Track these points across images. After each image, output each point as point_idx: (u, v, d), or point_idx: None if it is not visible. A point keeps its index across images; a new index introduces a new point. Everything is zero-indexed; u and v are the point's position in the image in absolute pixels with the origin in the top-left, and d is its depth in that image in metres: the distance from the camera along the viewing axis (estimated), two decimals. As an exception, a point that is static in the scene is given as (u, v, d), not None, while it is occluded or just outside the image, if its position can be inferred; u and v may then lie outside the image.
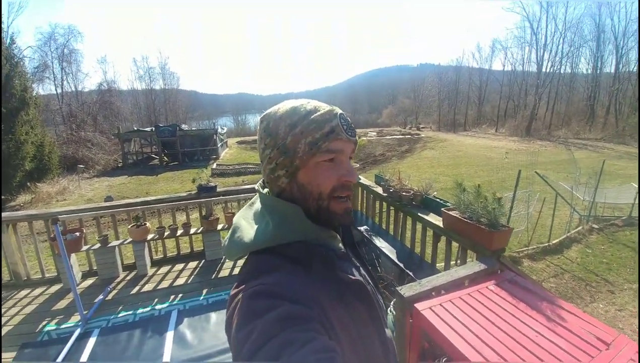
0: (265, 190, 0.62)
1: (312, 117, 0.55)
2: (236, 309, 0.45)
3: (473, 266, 1.89)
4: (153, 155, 18.43)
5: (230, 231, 0.62)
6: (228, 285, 3.05)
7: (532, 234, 5.94)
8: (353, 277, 0.55)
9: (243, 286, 0.49)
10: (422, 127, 36.13)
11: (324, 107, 0.57)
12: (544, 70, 30.73)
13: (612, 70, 28.53)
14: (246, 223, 0.60)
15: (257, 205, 0.63)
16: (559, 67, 30.97)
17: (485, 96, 39.36)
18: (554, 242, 5.75)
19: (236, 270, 3.33)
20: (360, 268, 0.66)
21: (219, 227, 3.54)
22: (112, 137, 18.07)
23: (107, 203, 3.24)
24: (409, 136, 25.88)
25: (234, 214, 3.59)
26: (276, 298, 0.44)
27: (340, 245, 0.64)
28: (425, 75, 49.92)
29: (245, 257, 0.58)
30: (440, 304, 1.63)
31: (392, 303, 1.97)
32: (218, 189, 3.63)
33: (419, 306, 1.61)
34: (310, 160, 0.54)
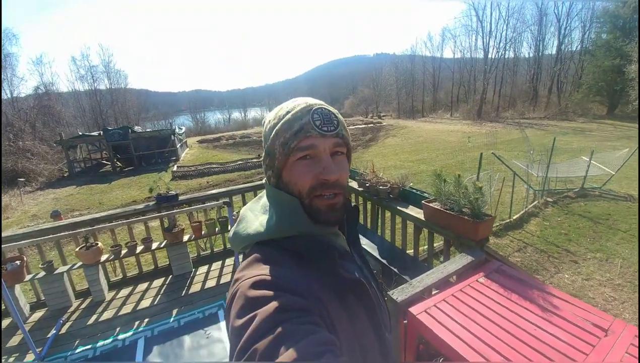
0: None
1: (286, 117, 0.55)
2: (235, 297, 0.45)
3: (461, 260, 1.84)
4: (104, 162, 16.93)
5: (236, 222, 0.64)
6: (201, 301, 2.79)
7: (494, 212, 6.25)
8: (355, 277, 0.55)
9: (244, 273, 0.49)
10: (383, 115, 36.97)
11: (302, 105, 0.56)
12: (490, 56, 32.70)
13: (554, 52, 30.95)
14: (252, 215, 0.62)
15: (265, 198, 0.64)
16: (503, 52, 33.09)
17: (439, 83, 41.12)
18: (514, 217, 6.10)
19: (209, 283, 3.06)
20: (363, 269, 0.65)
21: (185, 238, 3.22)
22: (55, 145, 16.23)
23: (49, 225, 2.77)
24: (372, 125, 26.32)
25: (200, 223, 3.31)
26: (277, 289, 0.44)
27: (344, 244, 0.63)
28: (382, 64, 50.97)
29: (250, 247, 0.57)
30: (435, 305, 1.55)
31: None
32: (181, 197, 3.30)
33: (414, 310, 1.52)
34: (288, 160, 0.55)
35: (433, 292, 1.78)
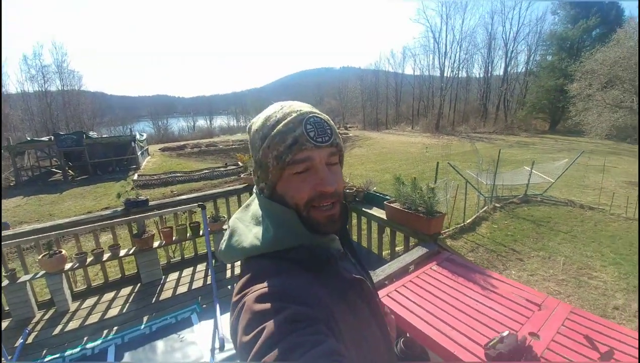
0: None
1: (277, 128, 0.54)
2: (242, 313, 0.45)
3: (417, 251, 2.11)
4: (54, 170, 15.59)
5: (226, 235, 0.61)
6: (173, 306, 2.80)
7: (450, 217, 6.81)
8: (355, 276, 0.56)
9: (247, 290, 0.48)
10: (350, 127, 38.09)
11: (292, 114, 0.55)
12: (445, 74, 35.47)
13: (501, 73, 34.28)
14: (243, 227, 0.60)
15: (254, 207, 0.63)
16: (457, 72, 36.07)
17: (401, 97, 43.45)
18: (467, 222, 6.70)
19: (181, 289, 3.07)
20: (357, 266, 0.67)
21: (155, 244, 3.20)
22: (1, 151, 14.66)
23: (9, 232, 2.64)
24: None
25: (171, 229, 3.31)
26: (282, 300, 0.44)
27: (339, 245, 0.64)
28: (349, 77, 52.84)
29: (243, 261, 0.58)
30: (396, 289, 1.78)
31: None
32: (151, 203, 3.29)
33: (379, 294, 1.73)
34: (283, 174, 0.54)
35: (394, 280, 2.01)
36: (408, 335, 1.76)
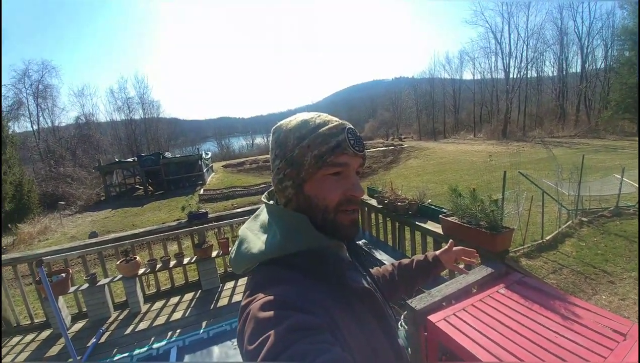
0: (271, 202, 0.64)
1: (320, 130, 0.56)
2: (247, 321, 0.45)
3: (480, 271, 1.87)
4: (137, 186, 18.02)
5: (236, 243, 0.62)
6: (228, 314, 2.92)
7: (525, 233, 6.03)
8: (362, 286, 0.56)
9: (253, 297, 0.49)
10: (404, 138, 37.00)
11: (333, 122, 0.58)
12: (511, 76, 32.30)
13: (578, 70, 30.31)
14: (252, 235, 0.61)
15: (263, 216, 0.64)
16: (525, 72, 32.66)
17: (460, 104, 40.88)
18: (547, 238, 5.85)
19: (236, 298, 3.19)
20: (367, 276, 0.67)
21: (213, 254, 3.41)
22: (93, 171, 17.62)
23: (93, 240, 3.07)
24: (392, 147, 26.40)
25: (227, 240, 3.50)
26: (287, 308, 0.44)
27: (347, 254, 0.65)
28: (401, 87, 51.65)
29: (254, 268, 0.58)
30: (454, 314, 1.59)
31: (402, 317, 1.92)
32: (210, 215, 3.53)
33: (433, 318, 1.56)
34: (317, 173, 0.55)
35: (452, 302, 1.81)
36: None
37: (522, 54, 31.97)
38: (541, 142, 22.46)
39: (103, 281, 3.00)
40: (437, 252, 1.04)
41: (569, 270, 4.81)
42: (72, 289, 2.92)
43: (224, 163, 27.45)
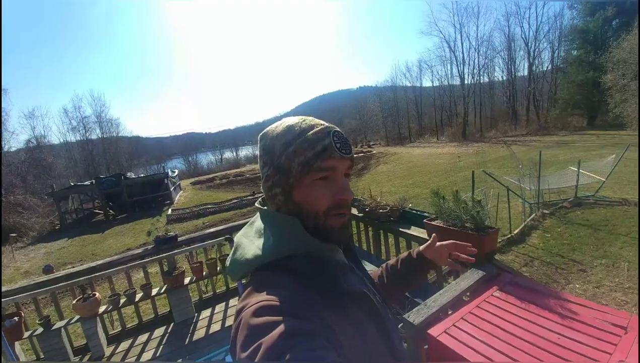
0: (266, 207, 0.63)
1: (305, 136, 0.55)
2: (239, 328, 0.44)
3: (472, 275, 1.82)
4: (96, 211, 16.67)
5: (232, 251, 0.62)
6: (207, 347, 2.65)
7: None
8: (358, 289, 0.55)
9: (246, 302, 0.48)
10: (373, 144, 37.88)
11: (319, 126, 0.57)
12: (466, 82, 34.60)
13: (526, 73, 32.87)
14: (247, 241, 0.60)
15: (258, 223, 0.63)
16: (478, 78, 35.08)
17: (422, 110, 42.83)
18: (515, 232, 6.10)
19: (214, 327, 2.92)
20: (364, 279, 0.66)
21: (186, 281, 3.12)
22: (46, 197, 16.01)
23: (44, 278, 2.67)
24: (362, 154, 26.82)
25: (201, 264, 3.23)
26: (280, 314, 0.43)
27: (342, 257, 0.64)
28: (366, 96, 53.24)
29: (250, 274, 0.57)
30: (454, 324, 1.51)
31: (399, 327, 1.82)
32: (180, 238, 3.25)
33: (433, 332, 1.47)
34: (304, 179, 0.55)
35: (449, 312, 1.73)
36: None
37: (474, 61, 34.41)
38: (498, 141, 23.99)
39: (59, 324, 2.61)
40: (421, 247, 0.94)
41: (540, 262, 5.01)
42: (26, 334, 2.55)
43: (192, 180, 26.31)
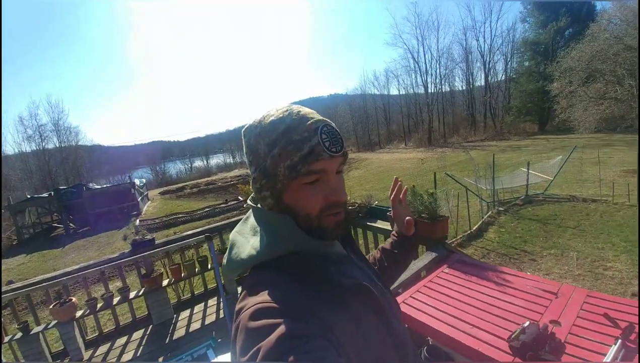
0: (259, 204, 0.61)
1: (291, 136, 0.52)
2: (238, 331, 0.44)
3: (427, 256, 2.12)
4: (55, 224, 15.58)
5: (228, 249, 0.61)
6: (189, 344, 2.73)
7: (456, 226, 6.79)
8: (355, 281, 0.54)
9: (244, 303, 0.48)
10: (345, 151, 38.58)
11: (306, 120, 0.53)
12: (430, 90, 36.63)
13: (483, 83, 35.43)
14: (242, 239, 0.59)
15: (252, 219, 0.62)
16: (440, 87, 37.32)
17: (390, 117, 44.61)
18: (474, 228, 6.67)
19: (194, 326, 3.00)
20: (364, 267, 0.65)
21: (164, 283, 3.18)
22: (2, 211, 14.71)
23: (19, 284, 2.64)
24: (335, 160, 27.28)
25: (179, 265, 3.30)
26: (276, 316, 0.43)
27: (340, 249, 0.63)
28: (337, 103, 54.49)
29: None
30: (410, 296, 1.78)
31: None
32: (157, 241, 3.30)
33: (394, 302, 1.73)
34: (293, 183, 0.52)
35: (408, 288, 2.01)
36: (430, 341, 1.74)
37: (436, 71, 36.52)
38: (460, 146, 25.57)
39: (37, 329, 2.58)
40: (394, 231, 0.96)
41: (495, 254, 5.55)
42: (6, 339, 2.53)
43: (161, 190, 25.40)
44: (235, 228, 0.64)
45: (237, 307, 0.49)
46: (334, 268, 0.54)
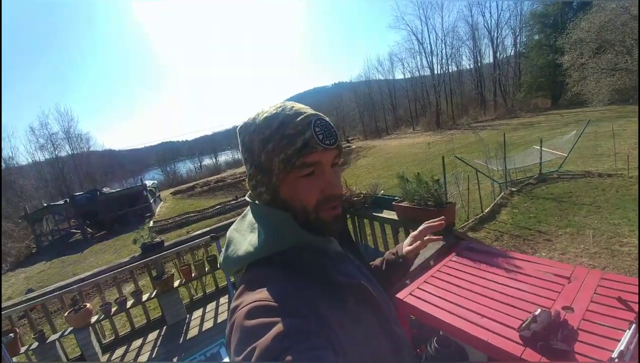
0: (256, 201, 0.61)
1: (284, 130, 0.52)
2: (233, 329, 0.43)
3: (434, 245, 2.06)
4: (73, 230, 16.07)
5: (225, 245, 0.61)
6: (202, 343, 2.77)
7: (467, 209, 6.66)
8: (353, 280, 0.54)
9: (240, 301, 0.47)
10: (352, 139, 38.31)
11: (298, 115, 0.53)
12: (436, 72, 35.76)
13: (491, 60, 34.25)
14: (239, 236, 0.59)
15: (249, 215, 0.62)
16: (447, 67, 36.33)
17: (397, 102, 43.86)
18: (486, 211, 6.52)
19: (206, 325, 3.04)
20: (362, 267, 0.65)
21: (176, 284, 3.22)
22: (20, 221, 15.29)
23: (35, 294, 2.71)
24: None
25: (189, 266, 3.33)
26: (272, 314, 0.42)
27: (337, 247, 0.63)
28: (342, 92, 53.87)
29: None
30: (418, 287, 1.73)
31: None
32: (166, 244, 3.34)
33: (401, 295, 1.69)
34: (288, 177, 0.53)
35: (415, 279, 1.96)
36: (441, 332, 1.70)
37: (441, 52, 35.61)
38: (469, 127, 24.98)
39: (53, 337, 2.66)
40: (405, 250, 0.96)
41: (509, 236, 5.42)
42: (22, 349, 2.61)
43: (172, 190, 25.83)
44: (233, 226, 0.63)
45: (233, 304, 0.48)
46: (332, 265, 0.55)
